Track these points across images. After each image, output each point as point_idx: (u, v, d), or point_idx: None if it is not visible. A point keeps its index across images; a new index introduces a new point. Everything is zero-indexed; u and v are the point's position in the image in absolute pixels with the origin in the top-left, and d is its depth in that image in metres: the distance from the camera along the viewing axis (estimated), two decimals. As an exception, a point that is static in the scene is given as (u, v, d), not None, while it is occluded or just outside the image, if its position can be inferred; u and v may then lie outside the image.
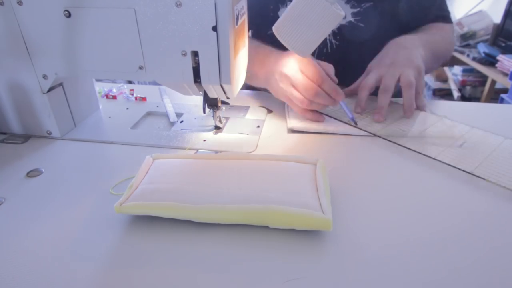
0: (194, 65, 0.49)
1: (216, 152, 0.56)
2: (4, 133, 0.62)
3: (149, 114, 0.70)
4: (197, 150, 0.57)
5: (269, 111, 0.70)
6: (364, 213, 0.43)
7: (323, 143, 0.59)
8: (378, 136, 0.59)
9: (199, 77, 0.50)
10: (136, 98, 0.76)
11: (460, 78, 2.55)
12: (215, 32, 0.46)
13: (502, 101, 1.99)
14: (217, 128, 0.63)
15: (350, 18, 0.79)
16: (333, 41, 0.81)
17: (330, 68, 0.61)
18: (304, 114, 0.63)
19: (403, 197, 0.46)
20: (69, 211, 0.44)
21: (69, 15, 0.49)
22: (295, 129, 0.62)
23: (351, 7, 0.78)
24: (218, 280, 0.34)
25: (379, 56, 0.70)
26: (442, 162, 0.52)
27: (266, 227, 0.40)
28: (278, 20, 0.54)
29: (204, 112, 0.58)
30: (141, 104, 0.73)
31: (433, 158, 0.53)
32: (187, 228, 0.40)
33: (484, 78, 2.39)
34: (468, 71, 2.51)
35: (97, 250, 0.38)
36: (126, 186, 0.45)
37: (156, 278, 0.35)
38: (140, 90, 0.81)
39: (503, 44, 2.25)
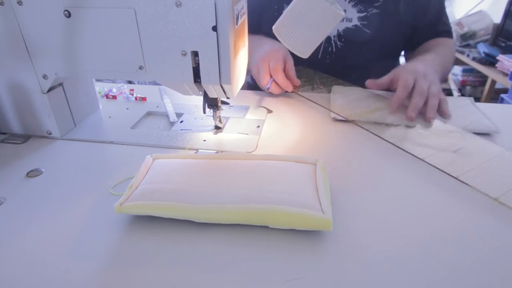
0: (194, 65, 0.49)
1: (216, 152, 0.56)
2: (4, 133, 0.62)
3: (149, 114, 0.70)
4: (197, 150, 0.57)
5: (269, 111, 0.70)
6: (364, 213, 0.43)
7: (323, 143, 0.59)
8: (384, 139, 0.59)
9: (199, 77, 0.50)
10: (136, 98, 0.76)
11: (460, 78, 2.55)
12: (215, 32, 0.46)
13: (502, 101, 1.99)
14: (217, 128, 0.63)
15: (356, 22, 0.79)
16: (338, 42, 0.82)
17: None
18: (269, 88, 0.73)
19: (403, 197, 0.46)
20: (69, 211, 0.44)
21: (69, 15, 0.49)
22: (338, 118, 0.65)
23: (358, 12, 0.79)
24: (218, 280, 0.34)
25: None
26: (430, 164, 0.52)
27: (266, 227, 0.40)
28: (278, 20, 0.54)
29: (204, 112, 0.58)
30: (141, 104, 0.73)
31: (423, 160, 0.53)
32: (187, 228, 0.40)
33: (484, 78, 2.39)
34: (468, 71, 2.51)
35: (97, 250, 0.38)
36: (126, 186, 0.45)
37: (156, 278, 0.35)
38: (140, 90, 0.81)
39: (503, 44, 2.25)
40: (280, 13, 0.81)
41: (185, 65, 0.49)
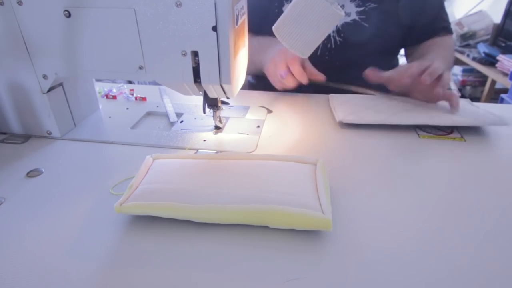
0: (194, 65, 0.49)
1: (216, 152, 0.56)
2: (4, 133, 0.62)
3: (149, 114, 0.70)
4: (197, 150, 0.57)
5: (269, 111, 0.70)
6: (364, 213, 0.43)
7: (323, 143, 0.59)
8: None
9: (199, 77, 0.50)
10: (136, 98, 0.76)
11: (460, 78, 2.55)
12: (215, 32, 0.46)
13: (502, 101, 1.99)
14: (217, 128, 0.63)
15: (355, 16, 0.80)
16: (337, 38, 0.82)
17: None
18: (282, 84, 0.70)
19: (403, 197, 0.46)
20: (69, 211, 0.44)
21: (69, 15, 0.49)
22: (345, 122, 0.63)
23: (356, 6, 0.79)
24: (218, 280, 0.34)
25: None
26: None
27: (266, 227, 0.40)
28: (278, 20, 0.54)
29: (204, 112, 0.58)
30: (141, 104, 0.73)
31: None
32: (187, 228, 0.40)
33: (484, 78, 2.39)
34: (468, 71, 2.51)
35: (97, 250, 0.38)
36: (126, 186, 0.45)
37: (156, 278, 0.35)
38: (140, 90, 0.81)
39: (503, 44, 2.25)
40: (280, 10, 0.81)
41: (185, 65, 0.49)
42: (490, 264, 0.36)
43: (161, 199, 0.41)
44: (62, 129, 0.61)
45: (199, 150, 0.56)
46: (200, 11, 0.45)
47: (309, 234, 0.40)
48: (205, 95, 0.56)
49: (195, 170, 0.46)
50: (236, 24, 0.48)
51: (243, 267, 0.36)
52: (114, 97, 0.76)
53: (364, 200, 0.45)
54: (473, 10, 2.59)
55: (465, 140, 0.59)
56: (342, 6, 0.80)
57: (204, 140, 0.59)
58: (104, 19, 0.49)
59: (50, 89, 0.57)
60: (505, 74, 2.01)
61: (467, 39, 2.48)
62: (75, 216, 0.43)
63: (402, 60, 0.97)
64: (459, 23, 2.50)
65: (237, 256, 0.37)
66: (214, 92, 0.54)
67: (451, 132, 0.61)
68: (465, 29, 2.47)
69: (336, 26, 0.81)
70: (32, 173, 0.51)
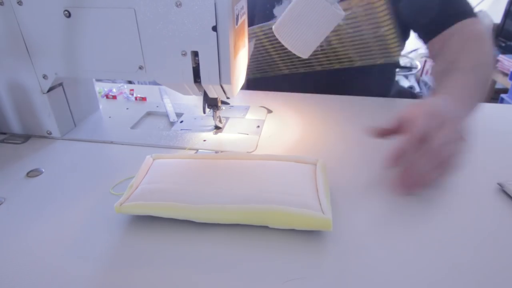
0: (194, 65, 0.49)
1: (216, 152, 0.56)
2: (4, 133, 0.62)
3: (149, 114, 0.70)
4: (197, 150, 0.57)
5: (269, 111, 0.70)
6: (364, 213, 0.43)
7: (323, 143, 0.59)
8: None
9: (199, 77, 0.50)
10: (136, 98, 0.76)
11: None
12: (215, 32, 0.46)
13: (502, 101, 1.99)
14: (217, 128, 0.63)
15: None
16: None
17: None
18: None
19: (404, 197, 0.46)
20: (69, 211, 0.44)
21: (69, 15, 0.49)
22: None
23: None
24: (218, 280, 0.34)
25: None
26: None
27: (266, 227, 0.40)
28: (278, 20, 0.54)
29: (204, 112, 0.58)
30: (141, 104, 0.73)
31: None
32: (187, 228, 0.40)
33: (484, 78, 2.39)
34: (468, 71, 2.51)
35: (97, 250, 0.38)
36: (126, 186, 0.45)
37: (156, 278, 0.35)
38: (140, 90, 0.81)
39: (503, 44, 2.25)
40: (271, 12, 0.81)
41: (185, 65, 0.49)
42: (490, 264, 0.36)
43: (161, 199, 0.41)
44: (62, 129, 0.61)
45: (199, 150, 0.56)
46: (200, 11, 0.45)
47: (309, 234, 0.40)
48: (205, 95, 0.56)
49: (195, 170, 0.46)
50: (236, 24, 0.48)
51: (243, 267, 0.36)
52: (114, 97, 0.76)
53: (364, 200, 0.45)
54: (473, 10, 2.58)
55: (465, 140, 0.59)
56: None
57: (204, 140, 0.59)
58: (104, 19, 0.49)
59: (50, 89, 0.57)
60: (505, 74, 2.01)
61: (467, 39, 2.48)
62: (75, 216, 0.43)
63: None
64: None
65: (237, 256, 0.37)
66: (214, 92, 0.54)
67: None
68: (465, 29, 2.46)
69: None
70: (32, 173, 0.51)
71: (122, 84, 0.82)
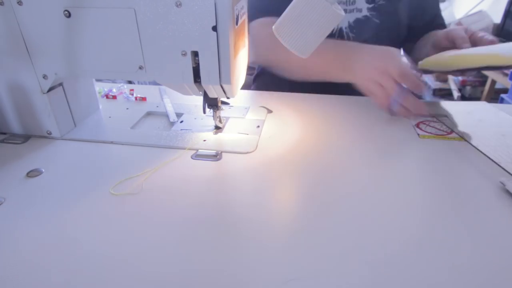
0: (194, 65, 0.49)
1: (216, 152, 0.56)
2: (4, 133, 0.62)
3: (149, 114, 0.70)
4: (197, 150, 0.57)
5: (269, 111, 0.70)
6: (364, 213, 0.43)
7: (324, 143, 0.59)
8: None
9: (199, 77, 0.50)
10: (136, 98, 0.76)
11: (460, 78, 2.55)
12: (215, 32, 0.46)
13: (502, 101, 1.99)
14: (217, 128, 0.63)
15: (366, 12, 0.82)
16: (350, 33, 0.84)
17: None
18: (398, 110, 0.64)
19: (404, 197, 0.46)
20: (69, 211, 0.44)
21: (69, 15, 0.49)
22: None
23: (367, 2, 0.82)
24: (218, 280, 0.34)
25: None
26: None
27: (265, 227, 0.40)
28: (278, 20, 0.54)
29: (204, 112, 0.58)
30: (141, 104, 0.73)
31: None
32: (186, 227, 0.40)
33: (484, 78, 2.39)
34: (468, 71, 2.51)
35: (96, 250, 0.38)
36: (126, 186, 0.45)
37: (156, 278, 0.35)
38: (140, 90, 0.81)
39: (503, 44, 2.25)
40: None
41: (185, 65, 0.49)
42: (490, 264, 0.36)
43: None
44: (62, 129, 0.61)
45: (199, 150, 0.56)
46: (200, 11, 0.45)
47: (309, 234, 0.40)
48: (205, 95, 0.56)
49: None
50: (236, 24, 0.48)
51: (243, 267, 0.36)
52: (114, 97, 0.76)
53: (364, 200, 0.45)
54: (473, 10, 2.59)
55: (465, 140, 0.59)
56: (353, 2, 0.81)
57: (204, 140, 0.59)
58: (104, 19, 0.49)
59: (50, 89, 0.57)
60: (505, 74, 2.01)
61: (467, 39, 2.48)
62: (75, 216, 0.43)
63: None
64: (459, 23, 2.49)
65: (237, 256, 0.37)
66: (214, 92, 0.54)
67: (450, 132, 0.62)
68: (465, 29, 2.46)
69: (348, 22, 0.83)
70: (32, 173, 0.51)
71: (122, 84, 0.82)
